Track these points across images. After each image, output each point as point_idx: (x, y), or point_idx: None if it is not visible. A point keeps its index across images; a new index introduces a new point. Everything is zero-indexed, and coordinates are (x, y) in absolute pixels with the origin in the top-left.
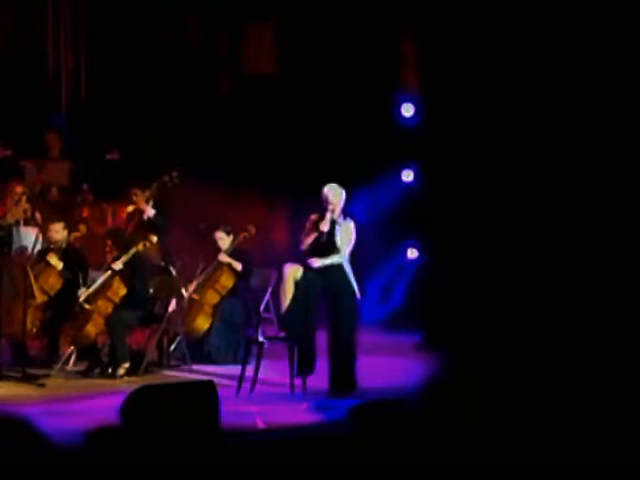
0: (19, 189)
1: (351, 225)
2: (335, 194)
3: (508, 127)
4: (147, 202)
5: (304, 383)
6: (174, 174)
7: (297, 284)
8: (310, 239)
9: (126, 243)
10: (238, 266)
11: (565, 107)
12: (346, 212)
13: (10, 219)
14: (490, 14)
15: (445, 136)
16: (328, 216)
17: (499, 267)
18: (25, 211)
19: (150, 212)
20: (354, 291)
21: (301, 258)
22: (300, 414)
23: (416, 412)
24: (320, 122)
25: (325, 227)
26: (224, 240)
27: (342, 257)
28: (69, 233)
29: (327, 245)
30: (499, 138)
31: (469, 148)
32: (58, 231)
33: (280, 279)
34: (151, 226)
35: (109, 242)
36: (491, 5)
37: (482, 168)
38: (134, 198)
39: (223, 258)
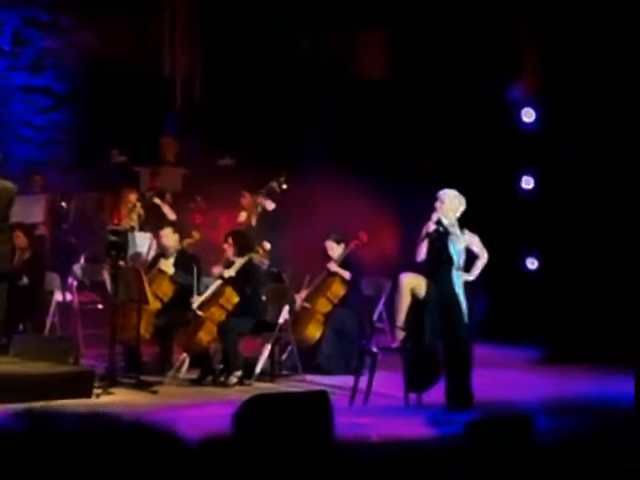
0: (133, 196)
1: (469, 237)
2: (448, 200)
3: (634, 132)
4: (265, 202)
5: (419, 396)
6: (282, 179)
7: (414, 295)
8: (423, 249)
9: (246, 245)
10: (346, 275)
11: None
12: (464, 223)
13: (125, 225)
14: (612, 18)
15: (567, 142)
16: (434, 217)
17: (627, 279)
18: (140, 216)
19: (270, 206)
20: (462, 304)
21: (419, 268)
22: (415, 427)
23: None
24: (435, 128)
25: (429, 228)
26: (334, 249)
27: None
28: (180, 238)
29: (440, 255)
30: (625, 144)
31: (592, 155)
32: (167, 236)
33: (396, 289)
34: (263, 233)
35: (230, 241)
36: (613, 8)
37: (606, 175)
38: (243, 200)
39: (332, 267)
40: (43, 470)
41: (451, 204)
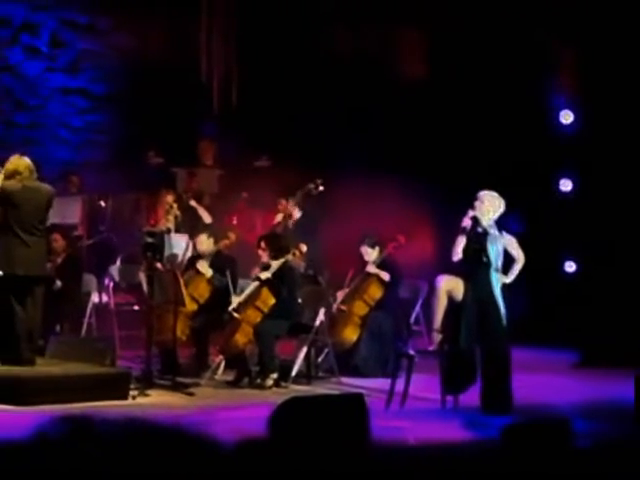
0: (170, 197)
1: (508, 239)
2: (488, 200)
3: None
4: (293, 210)
5: (456, 399)
6: (318, 182)
7: (451, 297)
8: (459, 247)
9: (280, 248)
10: (385, 276)
11: None
12: (502, 226)
13: (162, 226)
14: None
15: (606, 144)
16: (470, 213)
17: None
18: (176, 217)
19: (297, 215)
20: (499, 306)
21: (456, 270)
22: (452, 431)
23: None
24: (473, 130)
25: (465, 223)
26: (370, 254)
27: (495, 269)
28: (216, 240)
29: (478, 256)
30: None
31: (631, 156)
32: (202, 242)
33: (432, 291)
34: (299, 235)
35: (263, 245)
36: None
37: None
38: (279, 207)
39: (370, 269)
40: (82, 474)
41: (490, 205)
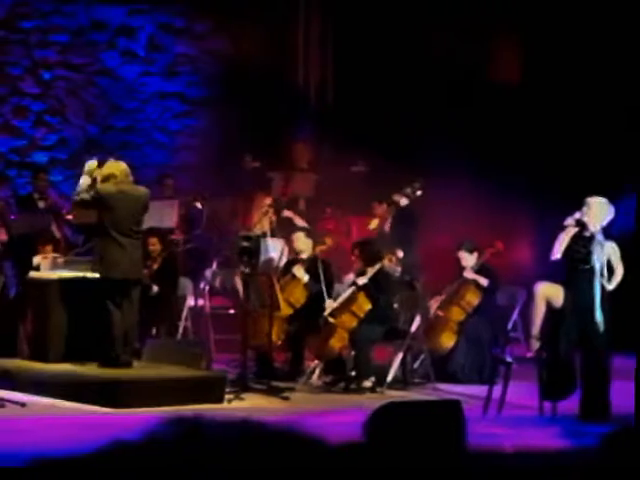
0: (267, 200)
1: (612, 248)
2: (595, 206)
3: None
4: (389, 215)
5: (554, 405)
6: (417, 185)
7: (549, 304)
8: (560, 247)
9: (373, 255)
10: (484, 281)
11: None
12: (608, 233)
13: (257, 230)
14: None
15: None
16: (577, 215)
17: None
18: (271, 222)
19: (403, 202)
20: (600, 313)
21: (555, 276)
22: (550, 438)
23: None
24: (572, 133)
25: (568, 222)
26: (468, 259)
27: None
28: (313, 243)
29: (580, 259)
30: None
31: None
32: (300, 239)
33: (531, 298)
34: (396, 240)
35: (356, 252)
36: None
37: None
38: (378, 210)
39: (469, 274)
40: (193, 475)
41: (599, 211)
